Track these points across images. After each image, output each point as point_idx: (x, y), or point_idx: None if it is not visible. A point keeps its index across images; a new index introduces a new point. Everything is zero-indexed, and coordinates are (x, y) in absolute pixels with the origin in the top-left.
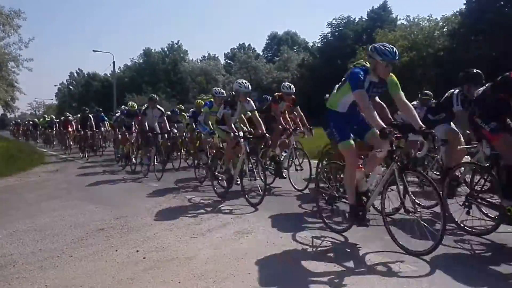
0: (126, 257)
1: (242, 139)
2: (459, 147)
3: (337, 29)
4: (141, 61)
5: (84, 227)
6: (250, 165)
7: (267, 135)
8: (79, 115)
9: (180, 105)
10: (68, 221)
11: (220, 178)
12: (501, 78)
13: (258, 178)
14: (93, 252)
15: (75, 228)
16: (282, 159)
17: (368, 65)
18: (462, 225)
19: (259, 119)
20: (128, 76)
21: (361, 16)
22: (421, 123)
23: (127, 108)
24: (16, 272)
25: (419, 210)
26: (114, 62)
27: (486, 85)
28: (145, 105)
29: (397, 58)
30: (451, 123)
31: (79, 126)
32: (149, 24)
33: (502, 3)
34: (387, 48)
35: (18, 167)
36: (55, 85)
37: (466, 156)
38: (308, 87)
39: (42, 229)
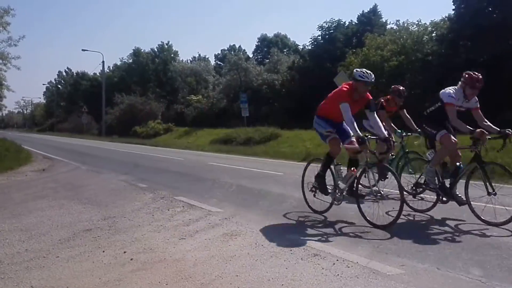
0: (113, 258)
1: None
2: None
3: (327, 32)
4: (130, 61)
5: (71, 228)
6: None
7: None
8: None
9: None
10: (55, 221)
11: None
12: None
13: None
14: (80, 253)
15: (62, 228)
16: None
17: None
18: None
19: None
20: (117, 76)
21: (351, 20)
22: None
23: None
24: (1, 273)
25: None
26: (103, 62)
27: None
28: None
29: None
30: None
31: None
32: (139, 24)
33: (490, 8)
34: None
35: (5, 166)
36: (43, 84)
37: None
38: (298, 89)
39: (28, 229)
